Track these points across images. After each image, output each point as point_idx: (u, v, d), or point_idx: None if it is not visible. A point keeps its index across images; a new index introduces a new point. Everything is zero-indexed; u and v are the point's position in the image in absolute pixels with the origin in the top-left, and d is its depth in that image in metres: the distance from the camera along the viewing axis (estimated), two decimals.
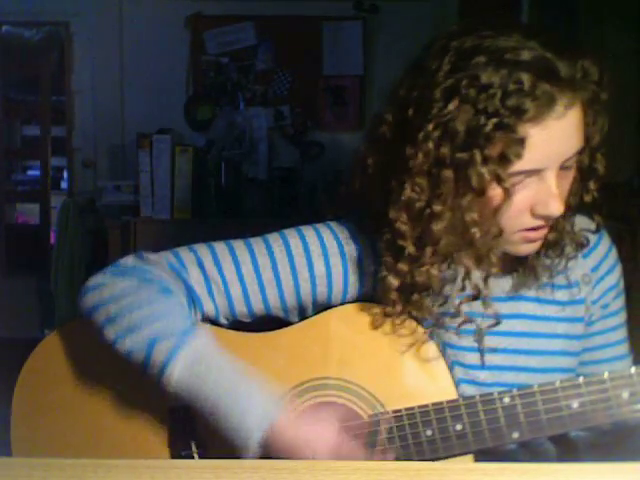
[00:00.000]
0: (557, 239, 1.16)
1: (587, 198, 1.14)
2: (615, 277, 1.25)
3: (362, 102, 4.55)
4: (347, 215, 1.23)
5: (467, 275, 1.12)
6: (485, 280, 1.13)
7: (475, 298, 1.13)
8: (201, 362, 1.08)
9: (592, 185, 1.14)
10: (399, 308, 1.14)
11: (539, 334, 1.19)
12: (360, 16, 4.49)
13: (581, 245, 1.19)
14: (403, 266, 1.11)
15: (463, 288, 1.13)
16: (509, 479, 0.91)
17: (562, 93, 1.02)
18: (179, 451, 1.18)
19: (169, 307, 1.13)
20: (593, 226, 1.20)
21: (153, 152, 3.85)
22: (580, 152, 1.08)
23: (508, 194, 1.04)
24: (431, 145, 1.04)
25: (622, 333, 1.27)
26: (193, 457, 1.17)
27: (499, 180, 1.03)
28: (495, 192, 1.05)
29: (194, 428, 1.17)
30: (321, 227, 1.21)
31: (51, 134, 4.95)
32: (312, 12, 4.47)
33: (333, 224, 1.22)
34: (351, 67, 4.54)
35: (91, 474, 0.90)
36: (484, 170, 1.03)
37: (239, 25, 4.52)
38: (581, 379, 1.09)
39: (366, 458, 1.09)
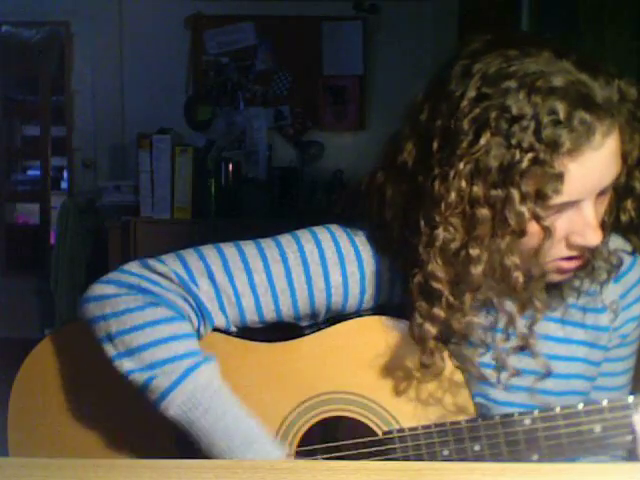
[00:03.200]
0: (588, 259, 1.08)
1: (624, 218, 1.08)
2: None
3: (362, 102, 4.55)
4: (361, 221, 1.16)
5: (512, 323, 1.04)
6: (531, 328, 1.04)
7: (522, 349, 1.05)
8: (201, 400, 1.06)
9: (629, 204, 1.07)
10: (438, 358, 1.06)
11: (559, 357, 1.13)
12: (360, 16, 4.49)
13: (615, 266, 1.12)
14: (440, 312, 1.03)
15: (507, 337, 1.05)
16: (509, 479, 0.91)
17: (600, 121, 0.96)
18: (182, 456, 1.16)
19: (175, 331, 1.09)
20: (629, 247, 1.14)
21: (153, 152, 3.85)
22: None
23: (549, 232, 0.98)
24: (464, 183, 0.97)
25: (630, 363, 1.22)
26: None
27: (538, 218, 0.97)
28: (534, 230, 0.99)
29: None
30: (337, 231, 1.15)
31: (51, 134, 4.95)
32: (312, 12, 4.47)
33: (350, 229, 1.16)
34: (351, 67, 4.54)
35: (91, 474, 0.90)
36: (523, 209, 0.96)
37: (239, 25, 4.53)
38: (605, 403, 1.05)
39: None
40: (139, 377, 1.07)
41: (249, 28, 4.53)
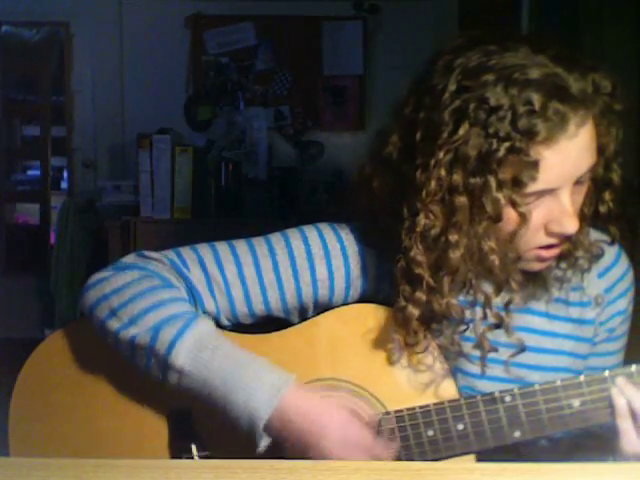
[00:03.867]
0: (570, 250, 1.12)
1: (602, 209, 1.11)
2: (626, 301, 1.22)
3: (362, 102, 4.55)
4: (351, 218, 1.21)
5: (488, 303, 1.08)
6: (507, 308, 1.10)
7: (498, 327, 1.10)
8: (207, 345, 1.08)
9: (607, 196, 1.11)
10: (421, 337, 1.11)
11: (545, 350, 1.16)
12: (360, 16, 4.49)
13: (595, 257, 1.16)
14: (421, 295, 1.08)
15: (485, 316, 1.09)
16: (509, 479, 0.91)
17: (574, 111, 1.00)
18: (180, 455, 1.17)
19: (172, 295, 1.14)
20: (608, 238, 1.16)
21: (153, 152, 3.85)
22: (594, 165, 1.05)
23: (525, 218, 1.02)
24: (443, 172, 1.02)
25: (618, 358, 1.25)
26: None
27: (514, 204, 1.01)
28: (510, 216, 1.03)
29: (195, 431, 1.16)
30: (324, 228, 1.20)
31: (51, 134, 4.96)
32: (312, 12, 4.47)
33: (337, 225, 1.20)
34: (351, 67, 4.54)
35: (91, 474, 0.90)
36: (500, 195, 1.00)
37: (239, 25, 4.53)
38: (582, 378, 1.08)
39: (373, 441, 1.08)
40: (145, 338, 1.09)
41: (249, 28, 4.53)
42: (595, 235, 1.17)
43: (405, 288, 1.09)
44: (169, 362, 1.08)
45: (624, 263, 1.22)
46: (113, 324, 1.12)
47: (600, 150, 1.06)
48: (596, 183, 1.10)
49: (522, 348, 1.12)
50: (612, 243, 1.17)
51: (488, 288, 1.09)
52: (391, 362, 1.15)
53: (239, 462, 0.94)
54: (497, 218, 1.02)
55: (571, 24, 2.93)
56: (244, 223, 3.80)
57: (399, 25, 4.50)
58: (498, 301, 1.09)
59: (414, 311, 1.09)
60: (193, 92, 4.56)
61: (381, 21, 4.52)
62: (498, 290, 1.08)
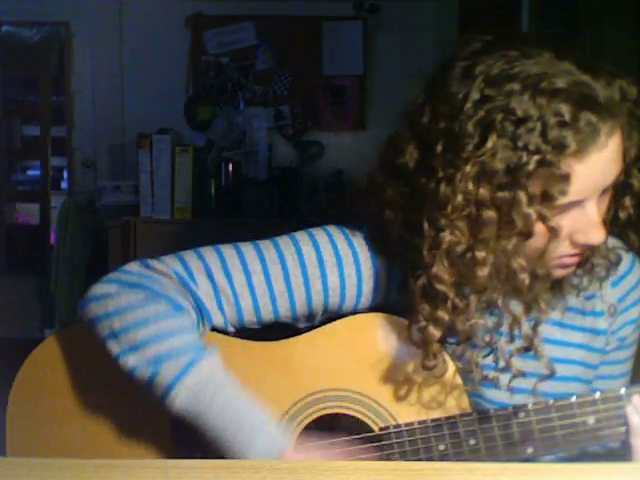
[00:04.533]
0: (587, 256, 1.09)
1: (622, 215, 1.08)
2: (638, 309, 1.19)
3: (362, 102, 4.55)
4: (353, 220, 1.17)
5: (517, 324, 1.03)
6: (535, 328, 1.04)
7: (527, 350, 1.05)
8: (206, 391, 1.05)
9: (628, 202, 1.08)
10: (440, 360, 1.07)
11: (556, 359, 1.12)
12: (360, 16, 4.49)
13: (613, 264, 1.13)
14: (443, 314, 1.03)
15: (512, 339, 1.04)
16: (509, 479, 0.91)
17: (603, 121, 0.96)
18: None
19: (177, 325, 1.10)
20: (624, 244, 1.14)
21: (153, 152, 3.85)
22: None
23: (555, 233, 0.98)
24: (470, 186, 0.97)
25: (628, 366, 1.23)
26: None
27: (544, 219, 0.97)
28: (540, 231, 0.98)
29: (198, 440, 1.13)
30: (335, 232, 1.16)
31: (51, 134, 4.96)
32: (312, 12, 4.47)
33: (348, 230, 1.16)
34: (351, 67, 4.54)
35: (91, 474, 0.90)
36: (530, 210, 0.96)
37: (239, 25, 4.53)
38: (597, 395, 1.06)
39: None
40: (143, 374, 1.07)
41: (249, 28, 4.53)
42: (612, 242, 1.14)
43: (425, 307, 1.04)
44: (167, 401, 1.06)
45: (638, 271, 1.19)
46: (113, 347, 1.09)
47: (623, 156, 1.02)
48: (616, 188, 1.06)
49: (552, 374, 1.07)
50: (631, 250, 1.14)
51: (516, 308, 1.04)
52: (403, 375, 1.12)
53: (239, 462, 0.94)
54: (528, 234, 0.98)
55: (571, 24, 2.93)
56: (244, 223, 3.80)
57: (399, 25, 4.50)
58: (527, 323, 1.04)
59: (435, 332, 1.04)
60: (193, 92, 4.56)
61: (381, 21, 4.52)
62: (527, 311, 1.03)
